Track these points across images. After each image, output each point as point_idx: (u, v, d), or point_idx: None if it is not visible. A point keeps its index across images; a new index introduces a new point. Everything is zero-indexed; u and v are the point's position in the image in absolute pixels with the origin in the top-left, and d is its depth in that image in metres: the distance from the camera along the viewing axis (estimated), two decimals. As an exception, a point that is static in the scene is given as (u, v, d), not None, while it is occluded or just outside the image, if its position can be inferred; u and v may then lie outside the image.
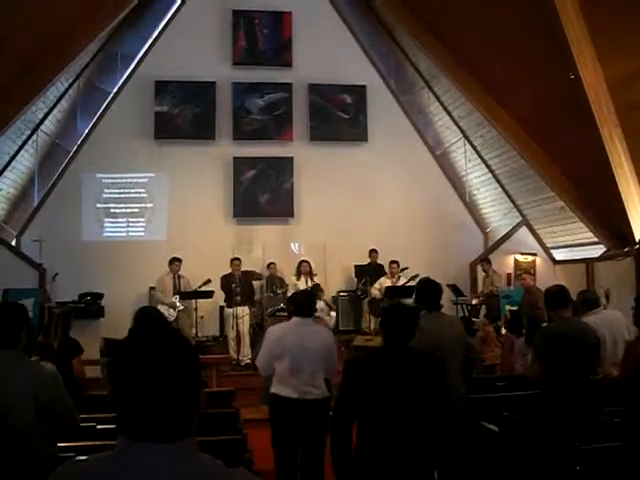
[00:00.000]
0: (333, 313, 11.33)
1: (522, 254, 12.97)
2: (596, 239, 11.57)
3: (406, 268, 11.50)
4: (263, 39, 13.42)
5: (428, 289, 5.04)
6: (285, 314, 8.63)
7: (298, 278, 11.36)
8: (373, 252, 12.42)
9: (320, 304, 10.00)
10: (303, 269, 11.40)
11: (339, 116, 13.40)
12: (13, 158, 12.11)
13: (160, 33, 13.27)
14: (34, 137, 12.38)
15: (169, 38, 13.12)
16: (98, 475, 1.43)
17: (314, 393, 4.98)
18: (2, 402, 3.23)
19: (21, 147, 12.21)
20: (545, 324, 5.83)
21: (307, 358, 5.00)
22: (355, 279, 12.72)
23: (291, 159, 13.18)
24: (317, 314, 8.83)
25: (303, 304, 5.29)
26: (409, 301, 9.51)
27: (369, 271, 12.25)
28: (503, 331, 9.47)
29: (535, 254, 13.00)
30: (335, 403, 3.80)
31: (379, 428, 3.49)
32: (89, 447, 4.29)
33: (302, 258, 11.80)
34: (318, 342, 5.09)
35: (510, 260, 12.97)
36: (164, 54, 12.99)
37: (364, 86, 13.50)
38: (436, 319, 4.88)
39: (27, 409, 3.26)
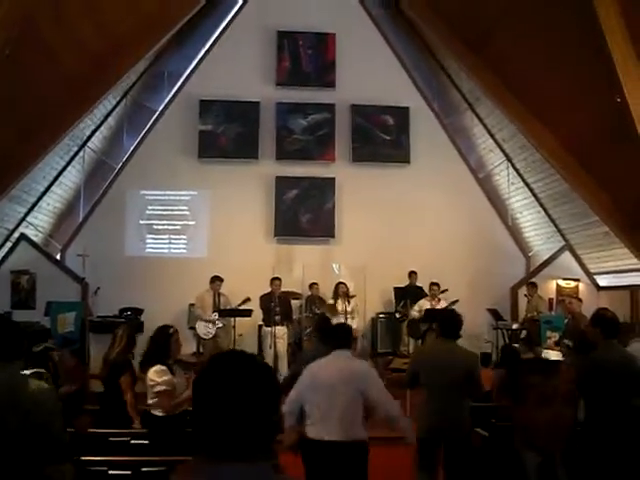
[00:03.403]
0: None
1: (564, 279, 12.76)
2: (642, 265, 11.33)
3: (446, 290, 11.42)
4: (307, 60, 13.50)
5: (445, 318, 5.08)
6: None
7: (335, 300, 11.32)
8: (412, 274, 12.27)
9: None
10: (340, 291, 11.36)
11: (381, 137, 13.36)
12: (60, 173, 12.44)
13: (206, 53, 13.46)
14: (81, 153, 12.70)
15: (214, 58, 13.32)
16: None
17: (346, 435, 4.59)
18: None
19: (68, 163, 12.55)
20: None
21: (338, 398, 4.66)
22: (394, 301, 12.62)
23: (333, 180, 13.17)
24: None
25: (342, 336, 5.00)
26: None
27: (408, 293, 12.13)
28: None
29: (578, 280, 12.78)
30: None
31: None
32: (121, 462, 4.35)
33: (341, 279, 11.76)
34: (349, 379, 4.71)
35: (552, 285, 12.77)
36: (209, 74, 13.17)
37: (407, 108, 13.45)
38: (440, 344, 4.84)
39: (16, 426, 3.06)
